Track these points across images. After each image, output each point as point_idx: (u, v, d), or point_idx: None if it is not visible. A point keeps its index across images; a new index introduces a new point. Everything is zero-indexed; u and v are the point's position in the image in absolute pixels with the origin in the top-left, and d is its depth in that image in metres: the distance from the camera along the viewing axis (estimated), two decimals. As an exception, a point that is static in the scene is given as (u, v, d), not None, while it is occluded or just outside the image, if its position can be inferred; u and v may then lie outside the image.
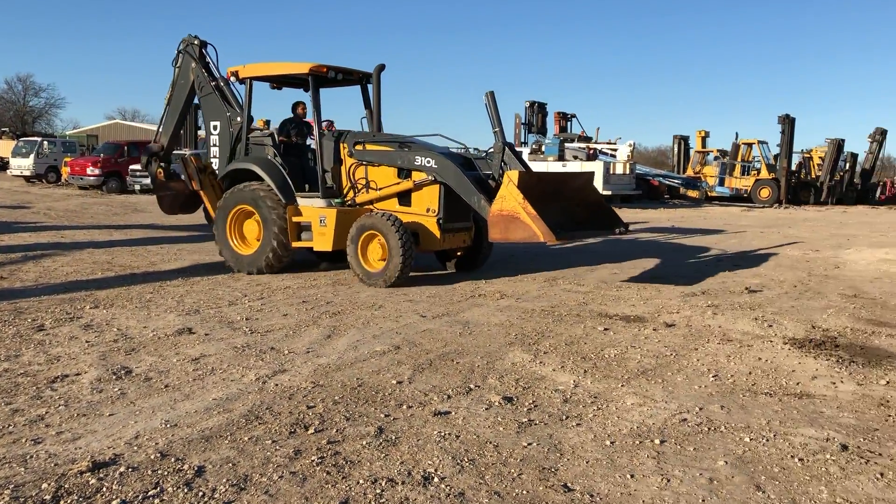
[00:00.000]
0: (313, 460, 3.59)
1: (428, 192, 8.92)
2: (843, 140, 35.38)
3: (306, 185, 9.58)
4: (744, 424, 4.21)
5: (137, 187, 25.21)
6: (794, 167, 34.44)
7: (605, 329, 6.53)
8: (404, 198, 9.15)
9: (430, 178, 8.78)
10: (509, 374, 5.11)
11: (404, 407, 4.39)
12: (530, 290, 8.53)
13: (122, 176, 26.73)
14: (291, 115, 10.35)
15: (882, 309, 7.63)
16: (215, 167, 10.10)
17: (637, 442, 3.91)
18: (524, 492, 3.30)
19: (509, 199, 7.69)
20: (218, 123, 10.04)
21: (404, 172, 9.08)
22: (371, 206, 9.30)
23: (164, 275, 9.06)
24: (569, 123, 34.02)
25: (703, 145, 38.92)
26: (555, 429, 4.09)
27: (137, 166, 22.98)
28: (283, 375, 4.99)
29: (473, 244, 9.71)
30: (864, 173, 39.69)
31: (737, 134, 37.25)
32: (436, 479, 3.40)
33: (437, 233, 8.88)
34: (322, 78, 9.43)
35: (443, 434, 3.96)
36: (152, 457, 3.57)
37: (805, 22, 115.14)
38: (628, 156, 27.47)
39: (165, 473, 3.40)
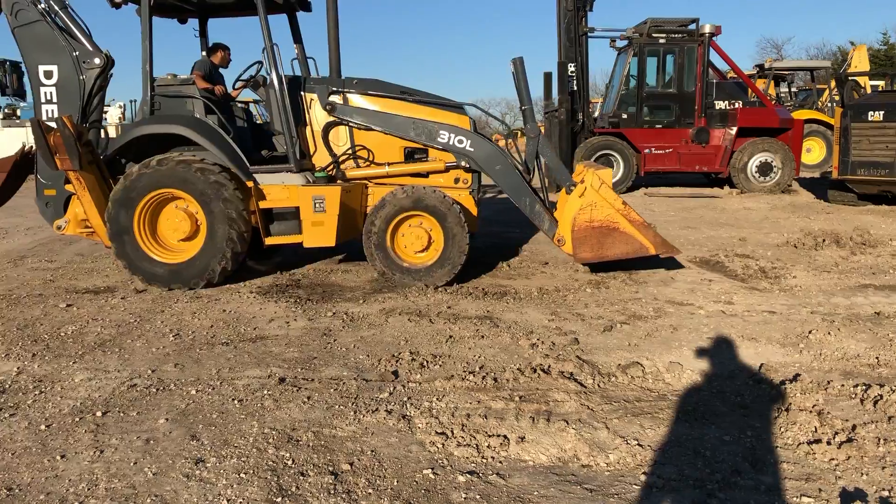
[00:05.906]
0: None
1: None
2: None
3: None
4: (194, 378, 4.32)
5: None
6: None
7: (69, 305, 6.09)
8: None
9: (461, 163, 6.81)
10: (-65, 374, 4.43)
11: None
12: (-13, 273, 7.53)
13: None
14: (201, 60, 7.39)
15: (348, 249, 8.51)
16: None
17: (77, 419, 3.73)
18: (-77, 507, 2.90)
19: (602, 207, 6.31)
20: (54, 68, 6.74)
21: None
22: (365, 182, 6.98)
23: None
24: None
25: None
26: (-19, 426, 3.67)
27: None
28: None
29: None
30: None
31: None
32: None
33: (475, 210, 7.04)
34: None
35: None
36: None
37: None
38: (119, 119, 25.84)
39: None
